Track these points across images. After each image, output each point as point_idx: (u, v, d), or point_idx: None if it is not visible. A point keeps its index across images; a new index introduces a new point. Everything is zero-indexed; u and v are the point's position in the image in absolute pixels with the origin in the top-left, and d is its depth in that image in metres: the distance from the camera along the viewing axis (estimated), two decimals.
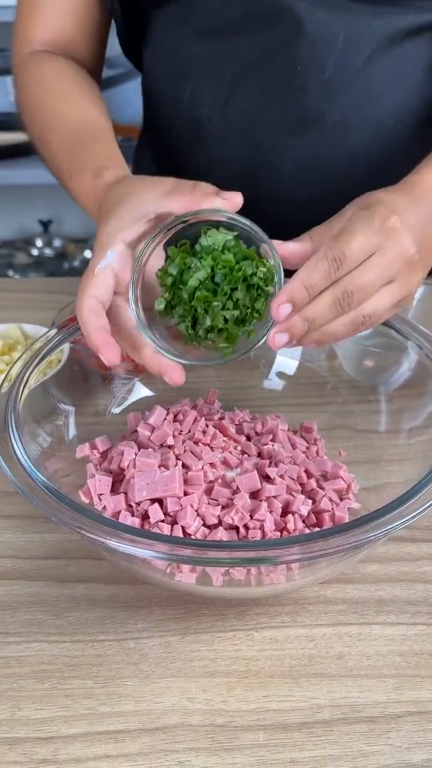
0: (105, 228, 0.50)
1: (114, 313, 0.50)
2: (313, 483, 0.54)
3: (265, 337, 0.47)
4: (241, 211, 0.50)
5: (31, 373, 0.53)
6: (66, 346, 0.60)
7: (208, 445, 0.56)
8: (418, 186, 0.55)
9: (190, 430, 0.57)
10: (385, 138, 0.66)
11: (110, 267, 0.48)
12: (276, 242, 0.48)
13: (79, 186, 0.61)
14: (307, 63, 0.70)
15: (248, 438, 0.59)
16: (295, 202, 0.75)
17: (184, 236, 0.49)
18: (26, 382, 0.52)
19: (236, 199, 0.48)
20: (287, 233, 0.65)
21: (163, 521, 0.49)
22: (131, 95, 1.88)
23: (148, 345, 0.49)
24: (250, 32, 0.70)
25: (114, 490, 0.52)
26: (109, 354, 0.47)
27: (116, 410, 0.62)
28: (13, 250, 2.33)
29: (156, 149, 0.88)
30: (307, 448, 0.58)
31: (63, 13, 0.77)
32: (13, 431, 0.47)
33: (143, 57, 0.83)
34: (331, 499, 0.53)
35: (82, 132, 0.65)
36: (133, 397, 0.63)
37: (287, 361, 0.65)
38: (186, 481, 0.51)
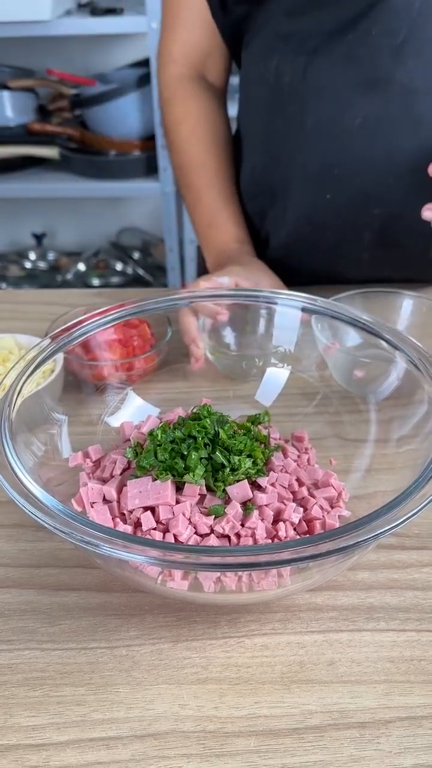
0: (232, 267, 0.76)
1: None
2: (304, 491, 0.54)
3: None
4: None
5: (24, 382, 0.53)
6: (59, 356, 0.61)
7: None
8: None
9: None
10: None
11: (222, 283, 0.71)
12: None
13: (208, 241, 0.89)
14: (381, 27, 0.73)
15: None
16: (363, 160, 0.79)
17: None
18: (20, 392, 0.53)
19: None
20: (356, 187, 0.81)
21: (155, 529, 0.49)
22: (127, 110, 1.90)
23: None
24: (333, 4, 0.75)
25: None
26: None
27: (109, 419, 0.62)
28: (6, 263, 2.34)
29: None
30: (299, 456, 0.59)
31: (194, 26, 0.89)
32: (6, 440, 0.48)
33: (243, 50, 0.89)
34: (322, 507, 0.53)
35: (217, 204, 0.90)
36: (126, 406, 0.64)
37: (279, 372, 0.65)
38: (178, 490, 0.52)
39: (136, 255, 2.33)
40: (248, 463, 0.52)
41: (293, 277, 0.83)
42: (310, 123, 0.80)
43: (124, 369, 0.68)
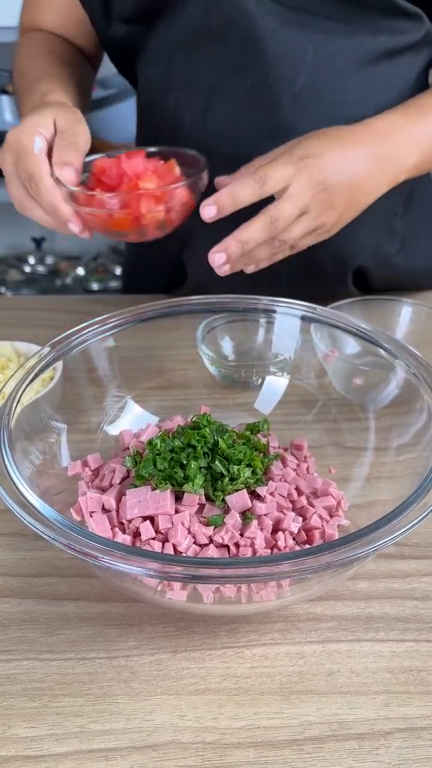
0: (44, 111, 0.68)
1: None
2: (303, 500, 0.54)
3: None
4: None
5: (24, 391, 0.53)
6: (59, 364, 0.61)
7: None
8: (361, 130, 0.67)
9: None
10: None
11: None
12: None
13: (26, 106, 0.74)
14: (277, 76, 0.73)
15: None
16: None
17: None
18: (19, 400, 0.53)
19: None
20: None
21: (154, 539, 0.49)
22: (125, 116, 1.90)
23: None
24: (228, 43, 0.74)
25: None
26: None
27: (108, 427, 0.62)
28: (5, 267, 2.34)
29: None
30: (298, 465, 0.59)
31: (56, 11, 0.87)
32: (5, 449, 0.48)
33: (137, 74, 0.86)
34: (321, 517, 0.53)
35: (39, 76, 0.79)
36: (125, 415, 0.64)
37: (278, 380, 0.65)
38: (178, 500, 0.51)
39: None
40: (247, 472, 0.52)
41: None
42: (215, 173, 0.76)
43: (163, 202, 0.67)
